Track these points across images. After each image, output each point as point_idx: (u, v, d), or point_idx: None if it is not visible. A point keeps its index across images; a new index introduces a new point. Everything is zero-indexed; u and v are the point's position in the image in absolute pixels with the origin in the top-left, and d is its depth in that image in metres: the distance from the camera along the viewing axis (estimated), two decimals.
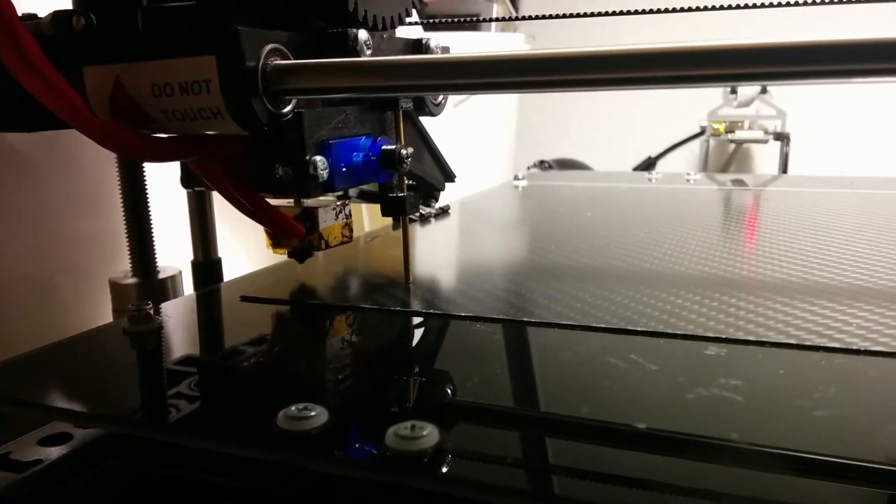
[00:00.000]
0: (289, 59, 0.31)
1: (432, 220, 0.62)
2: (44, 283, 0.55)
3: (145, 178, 0.47)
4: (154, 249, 0.48)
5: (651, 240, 0.51)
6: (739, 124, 1.68)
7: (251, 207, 0.36)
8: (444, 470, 0.21)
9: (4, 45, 0.29)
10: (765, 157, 1.83)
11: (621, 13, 0.50)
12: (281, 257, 0.46)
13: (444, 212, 0.64)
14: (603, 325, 0.33)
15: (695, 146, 1.89)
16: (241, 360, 0.32)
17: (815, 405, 0.25)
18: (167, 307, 0.40)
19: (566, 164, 1.75)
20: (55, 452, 0.26)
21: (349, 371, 0.30)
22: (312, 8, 0.34)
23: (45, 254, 0.55)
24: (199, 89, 0.30)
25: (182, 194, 0.53)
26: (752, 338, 0.31)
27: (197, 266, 0.53)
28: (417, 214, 0.62)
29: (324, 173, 0.33)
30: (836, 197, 0.72)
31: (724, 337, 0.31)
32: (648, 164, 1.90)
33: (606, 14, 0.51)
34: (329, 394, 0.28)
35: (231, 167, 0.35)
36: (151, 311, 0.35)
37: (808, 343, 0.30)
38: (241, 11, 0.31)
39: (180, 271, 0.50)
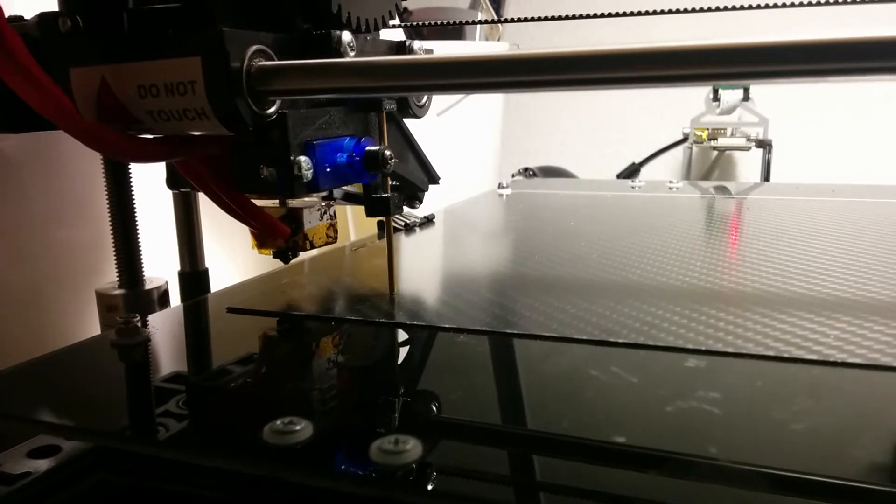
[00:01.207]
0: (273, 59, 0.32)
1: (417, 229, 0.63)
2: (33, 292, 0.55)
3: (132, 188, 0.47)
4: (141, 260, 0.48)
5: (633, 249, 0.52)
6: (722, 131, 1.70)
7: (236, 208, 0.36)
8: (427, 484, 0.22)
9: None
10: (747, 164, 1.85)
11: (601, 15, 0.51)
12: (267, 267, 0.46)
13: (428, 220, 0.65)
14: (584, 337, 0.33)
15: (678, 153, 1.90)
16: (228, 374, 0.32)
17: (793, 417, 0.25)
18: (154, 319, 0.40)
19: (550, 172, 1.76)
20: (44, 465, 0.26)
21: (334, 384, 0.31)
22: (296, 9, 0.34)
23: (33, 263, 0.55)
24: (185, 90, 0.30)
25: (170, 205, 0.53)
26: (731, 349, 0.31)
27: (184, 276, 0.53)
28: (402, 224, 0.63)
29: (308, 174, 0.33)
30: (816, 205, 0.73)
31: (703, 349, 0.32)
32: (632, 171, 1.92)
33: (587, 17, 0.51)
34: (314, 407, 0.28)
35: (216, 168, 0.35)
36: (139, 324, 0.36)
37: (786, 355, 0.31)
38: (225, 12, 0.31)
39: (167, 282, 0.50)
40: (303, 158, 0.33)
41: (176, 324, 0.40)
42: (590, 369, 0.30)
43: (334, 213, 0.41)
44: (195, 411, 0.28)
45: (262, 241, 0.40)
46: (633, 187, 0.90)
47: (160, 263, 0.55)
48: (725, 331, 0.34)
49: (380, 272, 0.48)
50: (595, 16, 0.51)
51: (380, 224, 0.64)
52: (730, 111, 1.69)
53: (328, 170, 0.35)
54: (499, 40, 1.27)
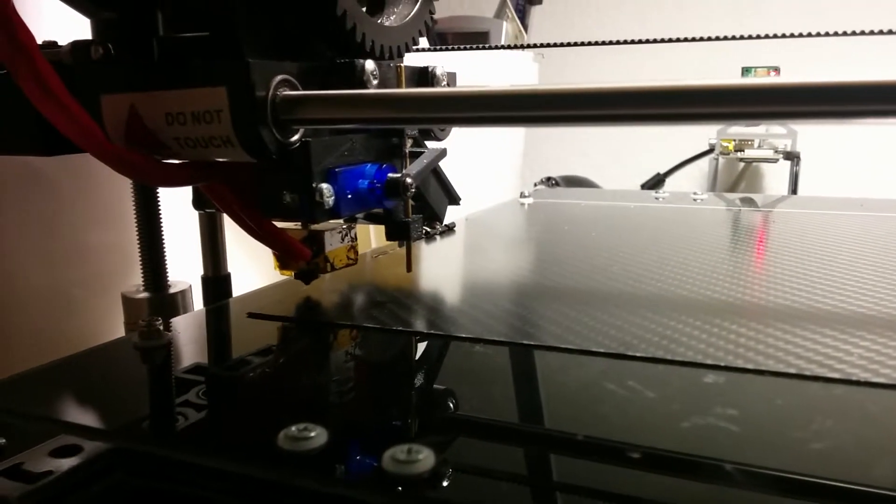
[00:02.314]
0: (297, 89, 0.32)
1: (437, 237, 0.63)
2: (62, 293, 0.56)
3: (158, 195, 0.48)
4: (165, 265, 0.49)
5: (654, 261, 0.52)
6: (749, 143, 1.69)
7: (259, 230, 0.37)
8: (439, 494, 0.22)
9: (25, 74, 0.30)
10: (775, 177, 1.83)
11: (633, 42, 0.51)
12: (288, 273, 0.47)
13: (449, 229, 0.65)
14: (602, 350, 0.33)
15: (703, 164, 1.89)
16: (246, 378, 0.33)
17: (812, 437, 0.25)
18: (176, 322, 0.40)
19: (573, 182, 1.75)
20: (65, 464, 0.27)
21: (350, 391, 0.31)
22: (320, 38, 0.35)
23: (62, 266, 0.56)
24: (211, 118, 0.31)
25: (194, 212, 0.54)
26: (750, 366, 0.31)
27: (207, 281, 0.54)
28: (423, 232, 0.63)
29: (329, 200, 0.34)
30: (844, 219, 0.72)
31: (722, 364, 0.31)
32: (657, 182, 1.90)
33: (620, 43, 0.51)
34: (330, 414, 0.29)
35: (240, 191, 0.36)
36: (161, 327, 0.36)
37: (807, 373, 0.30)
38: (251, 42, 0.32)
39: (190, 286, 0.50)
40: (324, 186, 0.34)
41: (197, 327, 0.41)
42: (606, 383, 0.30)
43: (355, 235, 0.41)
44: (213, 415, 0.29)
45: (283, 263, 0.40)
46: (656, 198, 0.89)
47: (186, 268, 0.56)
48: (745, 346, 0.33)
49: (399, 280, 0.49)
50: (618, 42, 0.52)
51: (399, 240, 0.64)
52: (756, 123, 1.67)
53: (349, 196, 0.36)
54: (523, 50, 1.27)
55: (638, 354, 0.33)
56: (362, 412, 0.29)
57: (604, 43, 0.53)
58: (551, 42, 0.52)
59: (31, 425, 0.29)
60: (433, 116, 0.31)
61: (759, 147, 1.68)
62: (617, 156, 1.99)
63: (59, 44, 0.41)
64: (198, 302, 0.54)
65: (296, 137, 0.32)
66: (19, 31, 0.30)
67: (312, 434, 0.24)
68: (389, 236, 0.40)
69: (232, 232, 0.57)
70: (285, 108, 0.31)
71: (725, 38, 0.47)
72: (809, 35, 0.55)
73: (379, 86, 0.35)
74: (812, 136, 1.66)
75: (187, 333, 0.39)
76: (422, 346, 0.36)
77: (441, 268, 0.55)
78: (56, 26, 0.52)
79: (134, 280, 0.52)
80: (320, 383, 0.33)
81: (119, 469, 0.27)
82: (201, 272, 0.54)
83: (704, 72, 1.79)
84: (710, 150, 1.73)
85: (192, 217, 0.54)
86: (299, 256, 0.38)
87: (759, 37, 0.56)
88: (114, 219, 0.59)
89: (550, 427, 0.27)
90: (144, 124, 0.33)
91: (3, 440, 0.28)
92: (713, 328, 0.36)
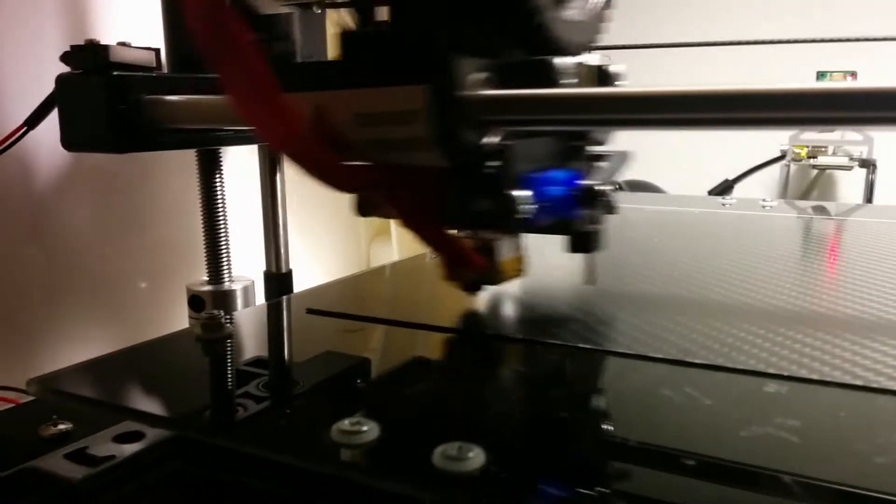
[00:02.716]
0: (493, 88, 0.30)
1: None
2: (134, 285, 0.58)
3: (223, 192, 0.49)
4: (229, 260, 0.50)
5: (718, 268, 0.50)
6: (823, 149, 1.63)
7: (436, 238, 0.35)
8: (489, 493, 0.22)
9: (238, 71, 0.29)
10: (849, 185, 1.77)
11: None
12: (349, 270, 0.47)
13: None
14: (660, 356, 0.33)
15: (774, 171, 1.83)
16: (303, 372, 0.33)
17: (875, 450, 0.24)
18: (238, 316, 0.41)
19: (637, 186, 1.73)
20: (128, 450, 0.28)
21: (403, 388, 0.31)
22: (512, 34, 0.32)
23: (136, 259, 0.58)
24: (406, 119, 0.29)
25: (258, 209, 0.55)
26: (815, 376, 0.30)
27: (269, 277, 0.55)
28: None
29: (525, 209, 0.31)
30: None
31: (785, 374, 0.30)
32: (725, 188, 1.86)
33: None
34: (382, 410, 0.29)
35: (419, 196, 0.34)
36: (222, 320, 0.37)
37: (874, 385, 0.29)
38: (447, 37, 0.30)
39: (253, 282, 0.52)
40: (520, 193, 0.31)
41: (258, 322, 0.42)
42: (664, 389, 0.29)
43: (524, 244, 0.39)
44: (270, 407, 0.29)
45: (452, 273, 0.38)
46: (723, 204, 0.87)
47: (250, 263, 0.57)
48: (811, 357, 0.32)
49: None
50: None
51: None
52: (830, 129, 1.61)
53: (542, 204, 0.33)
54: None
55: (697, 361, 0.32)
56: (415, 409, 0.29)
57: (674, 45, 0.52)
58: (615, 44, 0.52)
59: (98, 411, 0.30)
60: (643, 118, 0.28)
61: (834, 154, 1.62)
62: (683, 161, 1.95)
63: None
64: (260, 297, 0.55)
65: (492, 140, 0.30)
66: (234, 27, 0.28)
67: (365, 428, 0.25)
68: (575, 247, 0.37)
69: (296, 229, 0.58)
70: (484, 108, 0.29)
71: (798, 41, 0.46)
72: (886, 39, 0.53)
73: (570, 85, 0.33)
74: (889, 142, 1.60)
75: (247, 327, 0.40)
76: (476, 348, 0.36)
77: None
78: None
79: (200, 274, 0.53)
80: (374, 380, 0.33)
81: (179, 456, 0.28)
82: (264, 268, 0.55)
83: (777, 76, 1.74)
84: (782, 157, 1.68)
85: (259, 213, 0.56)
86: (473, 266, 0.36)
87: (833, 40, 0.54)
88: (183, 215, 0.60)
89: (604, 431, 0.27)
90: (332, 124, 0.31)
91: (70, 425, 0.29)
92: (777, 337, 0.35)
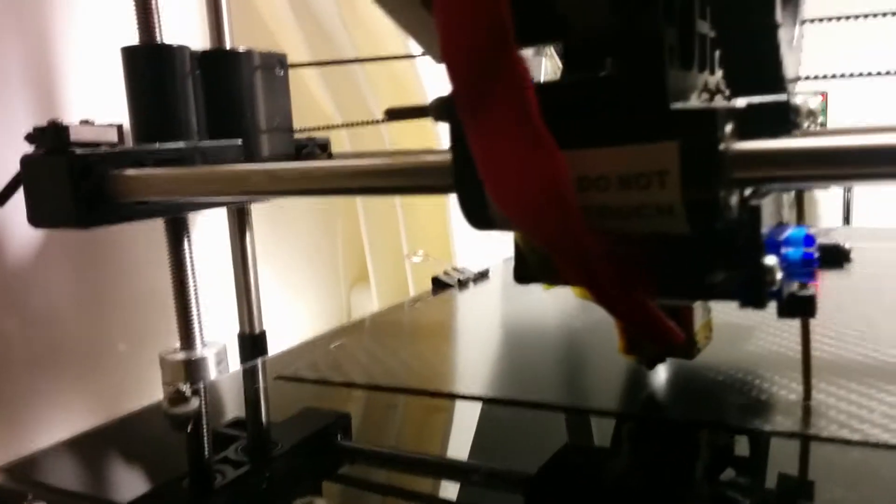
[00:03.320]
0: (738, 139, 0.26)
1: (471, 283, 0.63)
2: (108, 350, 0.58)
3: (192, 258, 0.49)
4: (201, 326, 0.50)
5: None
6: None
7: (634, 311, 0.29)
8: None
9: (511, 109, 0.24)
10: (830, 205, 1.78)
11: None
12: (325, 320, 0.47)
13: (481, 276, 0.65)
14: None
15: None
16: (266, 450, 0.33)
17: None
18: (206, 386, 0.42)
19: None
20: None
21: (365, 467, 0.31)
22: (747, 75, 0.28)
23: (112, 324, 0.58)
24: (648, 182, 0.25)
25: (229, 270, 0.56)
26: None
27: (243, 339, 0.55)
28: (456, 280, 0.63)
29: (777, 277, 0.27)
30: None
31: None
32: None
33: None
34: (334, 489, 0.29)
35: (629, 265, 0.28)
36: (189, 394, 0.37)
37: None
38: (674, 82, 0.25)
39: (225, 346, 0.52)
40: (772, 260, 0.27)
41: (225, 392, 0.42)
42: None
43: (710, 306, 0.35)
44: (227, 491, 0.30)
45: (634, 346, 0.34)
46: None
47: (222, 325, 0.57)
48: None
49: (430, 335, 0.49)
50: None
51: (435, 280, 0.64)
52: None
53: (784, 270, 0.28)
54: None
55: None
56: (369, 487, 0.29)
57: None
58: None
59: (60, 499, 0.30)
60: None
61: None
62: None
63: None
64: (234, 358, 0.55)
65: (735, 200, 0.26)
66: (514, 51, 0.23)
67: None
68: (785, 313, 0.31)
69: (275, 278, 0.58)
70: (737, 166, 0.25)
71: None
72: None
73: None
74: None
75: (216, 399, 0.40)
76: (460, 411, 0.36)
77: (474, 320, 0.56)
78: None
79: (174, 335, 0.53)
80: (326, 459, 0.33)
81: None
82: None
83: None
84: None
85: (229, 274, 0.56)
86: (672, 339, 0.30)
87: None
88: (160, 279, 0.61)
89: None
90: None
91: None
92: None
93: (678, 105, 0.25)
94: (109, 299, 0.60)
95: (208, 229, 0.63)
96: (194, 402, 0.37)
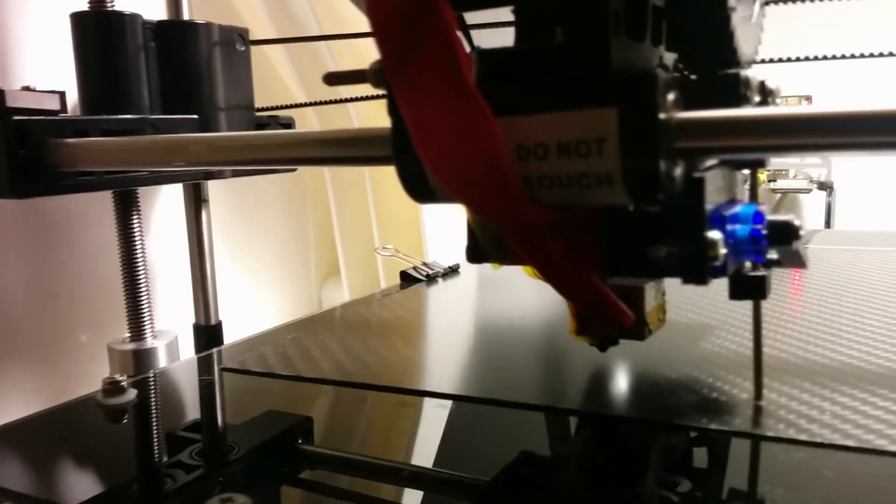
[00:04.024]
0: (683, 108, 0.25)
1: (440, 280, 0.61)
2: (59, 338, 0.56)
3: (142, 237, 0.47)
4: (151, 314, 0.48)
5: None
6: (784, 172, 1.64)
7: (581, 289, 0.29)
8: None
9: (438, 65, 0.23)
10: (812, 208, 1.78)
11: None
12: (296, 314, 0.46)
13: (452, 271, 0.64)
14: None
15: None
16: (196, 442, 0.31)
17: None
18: (147, 379, 0.40)
19: None
20: None
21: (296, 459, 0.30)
22: (699, 46, 0.27)
23: (61, 310, 0.56)
24: (587, 150, 0.24)
25: (186, 260, 0.54)
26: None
27: (198, 330, 0.53)
28: (424, 274, 0.61)
29: (721, 253, 0.26)
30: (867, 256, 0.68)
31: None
32: None
33: None
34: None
35: (574, 242, 0.28)
36: (125, 384, 0.35)
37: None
38: (619, 51, 0.24)
39: (176, 336, 0.50)
40: (715, 234, 0.26)
41: (168, 383, 0.40)
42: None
43: (664, 289, 0.34)
44: (151, 484, 0.28)
45: (585, 327, 0.33)
46: None
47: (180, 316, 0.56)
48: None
49: (386, 329, 0.47)
50: None
51: (403, 274, 0.63)
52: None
53: (731, 247, 0.28)
54: None
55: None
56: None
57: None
58: None
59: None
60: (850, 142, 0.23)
61: (794, 177, 1.64)
62: None
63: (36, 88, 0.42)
64: (189, 349, 0.54)
65: (679, 172, 0.25)
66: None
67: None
68: (736, 294, 0.31)
69: (244, 271, 0.56)
70: (680, 135, 0.24)
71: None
72: (843, 57, 0.52)
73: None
74: (846, 165, 1.62)
75: (155, 390, 0.38)
76: (404, 404, 0.35)
77: (443, 315, 0.54)
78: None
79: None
80: (266, 450, 0.31)
81: None
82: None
83: None
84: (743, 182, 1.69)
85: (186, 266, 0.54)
86: (623, 320, 0.29)
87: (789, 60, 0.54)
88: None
89: None
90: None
91: None
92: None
93: (618, 72, 0.24)
94: (66, 286, 0.58)
95: (172, 220, 0.61)
96: (130, 394, 0.35)
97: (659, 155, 0.23)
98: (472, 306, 0.56)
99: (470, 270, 0.65)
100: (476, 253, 0.30)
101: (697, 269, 0.26)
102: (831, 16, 1.72)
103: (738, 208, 0.28)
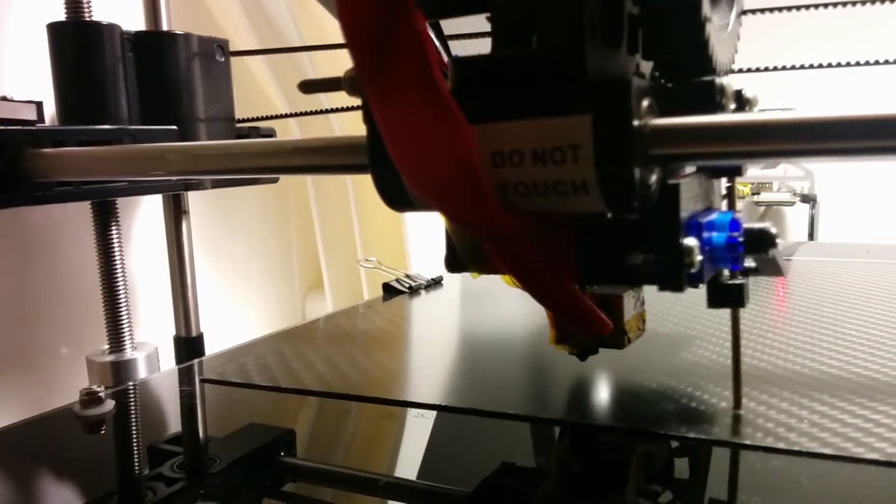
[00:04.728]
0: (657, 115, 0.25)
1: (423, 291, 0.61)
2: (51, 350, 0.56)
3: (121, 248, 0.47)
4: (130, 325, 0.48)
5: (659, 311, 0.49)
6: (767, 185, 1.65)
7: (562, 298, 0.28)
8: None
9: (411, 69, 0.23)
10: (796, 220, 1.80)
11: None
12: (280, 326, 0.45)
13: (435, 282, 0.64)
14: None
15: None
16: (174, 455, 0.31)
17: None
18: (126, 390, 0.39)
19: None
20: None
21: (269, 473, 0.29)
22: (671, 53, 0.27)
23: (50, 323, 0.56)
24: (562, 157, 0.24)
25: (166, 271, 0.53)
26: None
27: (179, 342, 0.53)
28: (407, 286, 0.61)
29: (697, 260, 0.26)
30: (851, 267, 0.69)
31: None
32: None
33: None
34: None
35: (550, 249, 0.28)
36: (103, 395, 0.35)
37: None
38: (595, 58, 0.24)
39: (156, 348, 0.49)
40: (691, 241, 0.26)
41: (147, 395, 0.39)
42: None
43: (643, 298, 0.34)
44: (131, 497, 0.27)
45: (565, 336, 0.33)
46: None
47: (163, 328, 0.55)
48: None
49: (366, 341, 0.47)
50: None
51: (386, 286, 0.63)
52: (775, 164, 1.64)
53: (707, 255, 0.28)
54: None
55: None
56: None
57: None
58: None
59: None
60: (827, 148, 0.23)
61: (778, 190, 1.65)
62: None
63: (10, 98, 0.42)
64: (171, 362, 0.53)
65: (654, 179, 0.25)
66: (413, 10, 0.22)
67: None
68: (714, 302, 0.31)
69: (227, 284, 0.56)
70: (655, 142, 0.24)
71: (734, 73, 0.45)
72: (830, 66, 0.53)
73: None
74: (828, 177, 1.63)
75: (134, 401, 0.38)
76: (389, 417, 0.34)
77: (425, 326, 0.54)
78: None
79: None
80: (240, 463, 0.31)
81: None
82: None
83: None
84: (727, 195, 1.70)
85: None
86: (599, 328, 0.29)
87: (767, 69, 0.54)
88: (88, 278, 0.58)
89: None
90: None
91: None
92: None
93: (593, 79, 0.24)
94: (45, 298, 0.57)
95: (152, 230, 0.60)
96: (108, 404, 0.35)
97: (633, 162, 0.23)
98: (455, 318, 0.56)
99: (453, 282, 0.65)
100: (454, 262, 0.30)
101: (673, 277, 0.26)
102: (817, 28, 1.75)
103: (714, 216, 0.28)
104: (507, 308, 0.54)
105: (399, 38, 0.22)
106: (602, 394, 0.35)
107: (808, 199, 1.55)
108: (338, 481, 0.29)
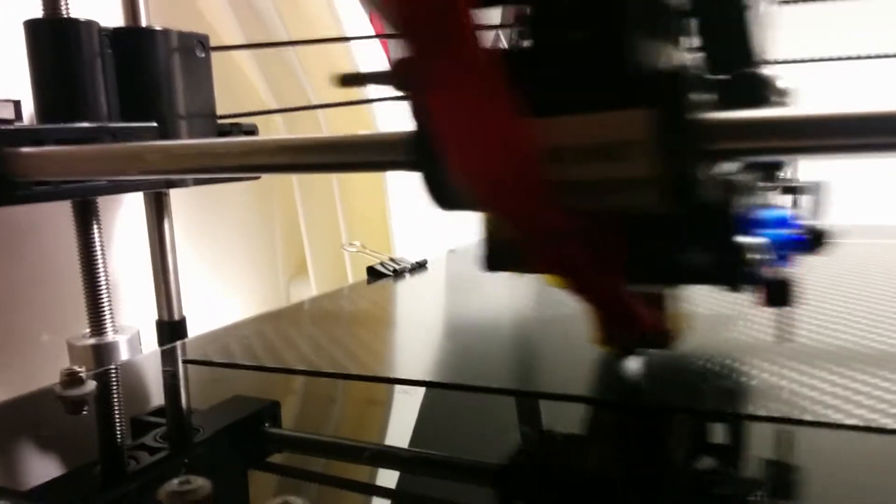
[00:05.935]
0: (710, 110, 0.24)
1: (407, 274, 0.61)
2: (32, 338, 0.55)
3: (101, 241, 0.47)
4: (111, 311, 0.48)
5: None
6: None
7: (608, 298, 0.28)
8: None
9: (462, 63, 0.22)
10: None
11: None
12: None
13: (420, 266, 0.64)
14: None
15: None
16: (153, 430, 0.31)
17: None
18: (108, 371, 0.39)
19: None
20: None
21: (245, 444, 0.29)
22: (723, 45, 0.27)
23: (31, 309, 0.55)
24: (618, 154, 0.23)
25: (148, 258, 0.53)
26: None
27: (161, 325, 0.52)
28: (391, 269, 0.61)
29: (756, 258, 0.25)
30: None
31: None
32: None
33: None
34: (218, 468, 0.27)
35: (600, 249, 0.27)
36: (84, 375, 0.35)
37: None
38: (646, 51, 0.24)
39: (138, 331, 0.49)
40: (752, 240, 0.25)
41: (130, 375, 0.39)
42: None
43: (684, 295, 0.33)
44: (113, 466, 0.27)
45: (612, 336, 0.32)
46: None
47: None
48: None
49: (348, 321, 0.47)
50: None
51: (370, 270, 0.63)
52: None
53: (766, 252, 0.27)
54: None
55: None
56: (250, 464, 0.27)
57: None
58: None
59: None
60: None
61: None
62: None
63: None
64: (154, 346, 0.53)
65: (709, 174, 0.24)
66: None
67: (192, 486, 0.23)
68: (772, 301, 0.29)
69: (210, 268, 0.56)
70: (712, 137, 0.23)
71: None
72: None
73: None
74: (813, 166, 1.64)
75: (115, 382, 0.38)
76: (358, 392, 0.35)
77: (411, 309, 0.54)
78: None
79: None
80: (221, 436, 0.31)
81: None
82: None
83: None
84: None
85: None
86: (650, 328, 0.28)
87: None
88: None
89: None
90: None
91: None
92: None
93: (678, 72, 0.23)
94: (28, 288, 0.57)
95: (137, 218, 0.60)
96: (90, 385, 0.35)
97: (690, 157, 0.22)
98: (440, 300, 0.56)
99: (437, 266, 0.65)
100: (495, 261, 0.29)
101: (729, 275, 0.25)
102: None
103: (770, 212, 0.28)
104: (493, 290, 0.54)
105: (454, 28, 0.22)
106: (597, 371, 0.35)
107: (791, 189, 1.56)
108: (323, 451, 0.29)
